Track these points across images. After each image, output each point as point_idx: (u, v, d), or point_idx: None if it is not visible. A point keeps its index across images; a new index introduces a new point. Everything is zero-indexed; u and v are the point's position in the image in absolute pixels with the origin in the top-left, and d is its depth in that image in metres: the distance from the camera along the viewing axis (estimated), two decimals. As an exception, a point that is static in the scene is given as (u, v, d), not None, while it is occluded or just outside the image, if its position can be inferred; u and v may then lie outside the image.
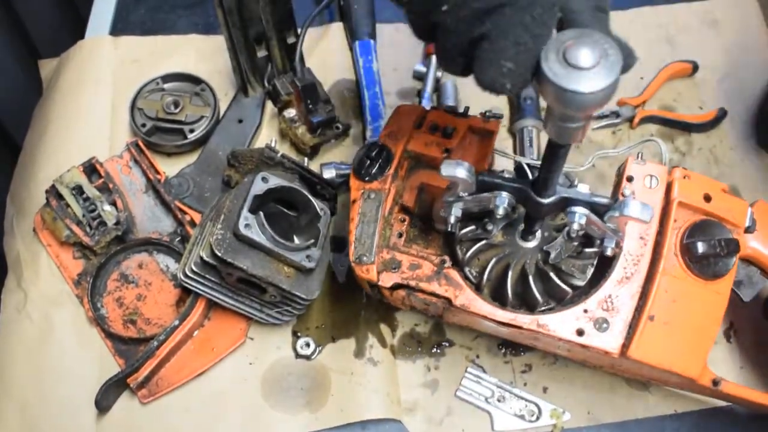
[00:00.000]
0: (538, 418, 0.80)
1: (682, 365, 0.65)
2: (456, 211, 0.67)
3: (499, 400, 0.81)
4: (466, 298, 0.68)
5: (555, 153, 0.57)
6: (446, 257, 0.70)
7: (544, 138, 0.57)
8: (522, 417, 0.80)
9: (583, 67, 0.44)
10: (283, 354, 0.83)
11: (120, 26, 1.11)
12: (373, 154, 0.75)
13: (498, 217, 0.65)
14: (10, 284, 0.88)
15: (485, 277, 0.70)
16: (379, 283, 0.70)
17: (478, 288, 0.71)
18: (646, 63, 1.04)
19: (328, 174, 0.92)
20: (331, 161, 0.95)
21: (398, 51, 1.06)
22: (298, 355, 0.83)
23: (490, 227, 0.71)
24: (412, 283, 0.69)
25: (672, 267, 0.67)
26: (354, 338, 0.84)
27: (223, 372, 0.82)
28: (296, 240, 0.80)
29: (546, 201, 0.63)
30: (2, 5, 1.23)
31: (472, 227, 0.72)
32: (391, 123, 0.78)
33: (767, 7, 1.11)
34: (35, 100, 1.07)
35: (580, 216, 0.63)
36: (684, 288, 0.66)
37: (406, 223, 0.75)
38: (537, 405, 0.81)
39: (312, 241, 0.76)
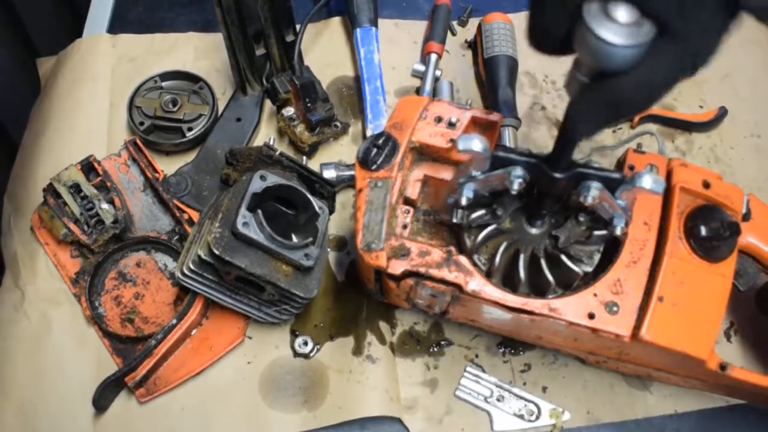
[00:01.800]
0: (537, 418, 0.80)
1: (692, 346, 0.66)
2: (468, 192, 0.67)
3: (498, 400, 0.81)
4: (477, 284, 0.68)
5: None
6: (452, 248, 0.70)
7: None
8: (521, 416, 0.80)
9: (618, 21, 0.48)
10: (282, 353, 0.83)
11: (118, 24, 1.10)
12: (380, 142, 0.75)
13: (513, 192, 0.65)
14: (7, 283, 0.88)
15: (495, 262, 0.71)
16: (389, 270, 0.69)
17: (488, 275, 0.71)
18: (646, 61, 1.04)
19: (329, 174, 0.92)
20: (332, 161, 0.94)
21: (397, 49, 1.06)
22: (296, 354, 0.83)
23: (499, 212, 0.72)
24: (422, 269, 0.69)
25: (677, 250, 0.68)
26: (353, 336, 0.83)
27: (222, 371, 0.82)
28: (295, 238, 0.80)
29: (560, 176, 0.64)
30: (0, 3, 1.22)
31: (482, 212, 0.72)
32: (396, 114, 0.78)
33: None
34: (33, 98, 1.06)
35: (594, 190, 0.63)
36: (690, 270, 0.68)
37: (410, 215, 0.75)
38: (536, 404, 0.80)
39: (310, 239, 0.76)
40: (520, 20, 1.05)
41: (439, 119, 0.77)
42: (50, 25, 1.34)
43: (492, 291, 0.68)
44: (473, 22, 1.09)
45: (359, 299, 0.86)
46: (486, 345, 0.84)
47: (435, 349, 0.84)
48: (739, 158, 0.98)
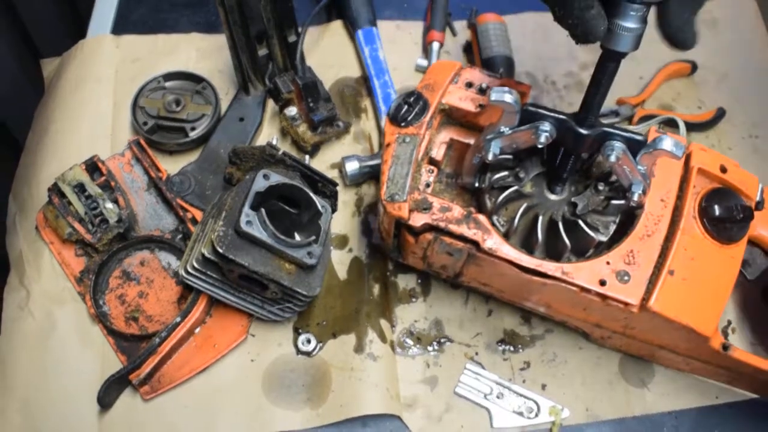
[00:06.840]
0: (536, 415, 0.80)
1: (697, 321, 0.67)
2: (494, 148, 0.69)
3: (498, 397, 0.81)
4: (494, 242, 0.69)
5: (605, 68, 0.60)
6: (472, 209, 0.72)
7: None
8: (521, 414, 0.81)
9: None
10: (285, 350, 0.84)
11: (121, 25, 1.11)
12: (411, 100, 0.76)
13: (539, 146, 0.67)
14: (12, 282, 0.88)
15: (514, 224, 0.72)
16: (410, 222, 0.71)
17: (505, 236, 0.72)
18: (645, 62, 1.04)
19: (351, 166, 0.93)
20: (353, 154, 0.95)
21: (399, 50, 1.07)
22: (299, 352, 0.83)
23: (521, 175, 0.74)
24: (442, 224, 0.70)
25: (690, 228, 0.70)
26: (354, 334, 0.84)
27: (225, 369, 0.82)
28: (297, 237, 0.80)
29: (587, 132, 0.65)
30: (4, 5, 1.23)
31: (504, 173, 0.74)
32: (428, 76, 0.80)
33: (766, 7, 1.11)
34: (37, 99, 1.07)
35: (617, 149, 0.64)
36: (701, 248, 0.69)
37: (434, 174, 0.76)
38: (536, 402, 0.81)
39: (313, 237, 0.76)
40: (513, 21, 1.06)
41: (470, 84, 0.79)
42: (54, 26, 1.34)
43: (508, 250, 0.69)
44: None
45: (361, 297, 0.86)
46: (486, 342, 0.85)
47: (435, 347, 0.85)
48: (737, 159, 0.98)
